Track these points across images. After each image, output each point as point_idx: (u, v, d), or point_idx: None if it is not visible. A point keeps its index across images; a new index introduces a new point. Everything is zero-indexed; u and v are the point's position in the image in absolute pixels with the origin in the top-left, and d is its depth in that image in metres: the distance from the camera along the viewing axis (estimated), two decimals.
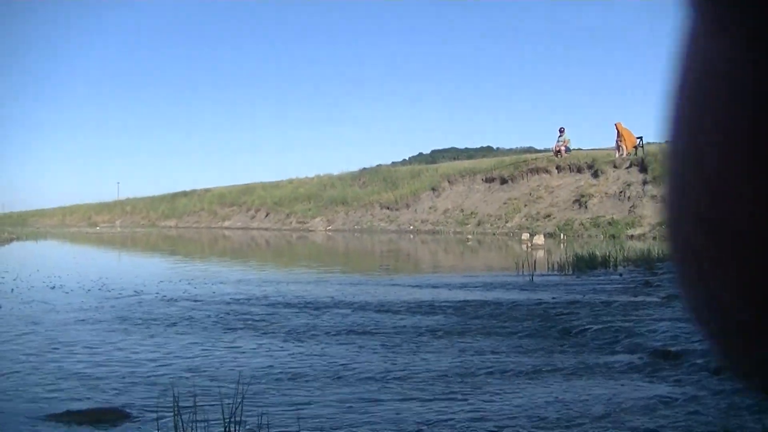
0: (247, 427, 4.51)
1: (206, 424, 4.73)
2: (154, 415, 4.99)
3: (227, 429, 3.87)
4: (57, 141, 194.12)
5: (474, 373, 6.21)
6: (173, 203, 73.30)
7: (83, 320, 10.03)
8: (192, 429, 4.02)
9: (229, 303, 11.15)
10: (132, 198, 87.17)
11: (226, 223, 57.92)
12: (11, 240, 42.70)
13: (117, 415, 5.12)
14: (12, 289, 13.82)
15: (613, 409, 4.93)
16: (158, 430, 4.46)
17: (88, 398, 5.71)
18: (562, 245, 23.35)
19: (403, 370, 6.35)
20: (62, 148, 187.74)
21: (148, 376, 6.42)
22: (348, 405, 5.41)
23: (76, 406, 5.42)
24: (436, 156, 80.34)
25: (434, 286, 12.92)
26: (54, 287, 14.32)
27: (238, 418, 4.13)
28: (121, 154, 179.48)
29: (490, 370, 6.30)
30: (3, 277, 16.89)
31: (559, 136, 36.29)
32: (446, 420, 4.86)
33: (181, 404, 4.83)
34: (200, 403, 5.31)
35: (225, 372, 6.61)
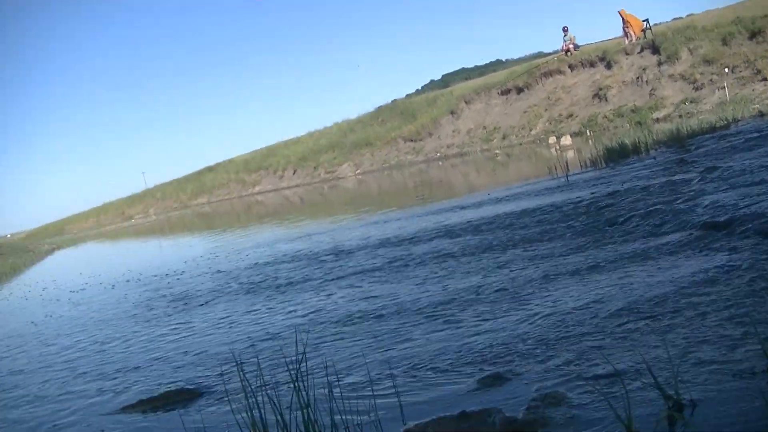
0: (315, 379, 4.52)
1: (275, 383, 4.75)
2: (222, 388, 5.01)
3: (296, 385, 3.85)
4: (75, 144, 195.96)
5: (532, 281, 6.21)
6: (200, 180, 73.17)
7: (125, 313, 10.22)
8: (261, 394, 4.01)
9: (274, 264, 11.26)
10: (160, 184, 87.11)
11: (257, 189, 57.83)
12: (53, 250, 43.36)
13: (187, 395, 5.15)
14: (57, 299, 14.14)
15: (676, 287, 4.86)
16: (228, 401, 4.47)
17: (156, 383, 5.76)
18: (590, 141, 23.04)
19: (465, 292, 6.38)
20: (80, 149, 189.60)
21: (207, 353, 6.47)
22: (411, 334, 5.43)
23: (145, 393, 5.47)
24: (447, 80, 79.29)
25: (473, 206, 12.89)
26: (96, 285, 14.68)
27: (303, 371, 4.13)
28: (140, 144, 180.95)
29: (546, 274, 6.30)
30: (45, 288, 17.25)
31: (564, 36, 35.59)
32: (519, 329, 4.91)
33: (247, 371, 4.86)
34: (265, 365, 5.34)
35: (282, 330, 6.65)
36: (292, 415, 3.64)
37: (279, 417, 3.60)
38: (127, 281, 14.03)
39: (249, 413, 3.70)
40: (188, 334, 7.58)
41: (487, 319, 5.34)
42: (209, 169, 75.33)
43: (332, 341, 5.78)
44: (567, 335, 4.54)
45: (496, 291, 6.13)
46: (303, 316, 7.11)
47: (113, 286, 13.99)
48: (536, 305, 5.37)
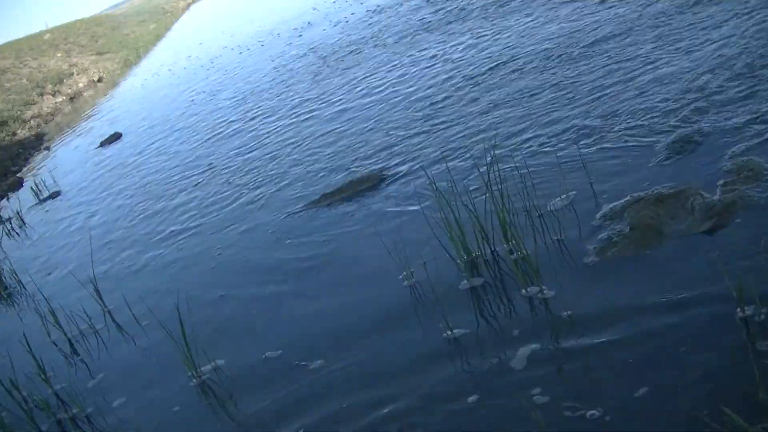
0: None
1: None
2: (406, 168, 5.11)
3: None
4: None
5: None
6: None
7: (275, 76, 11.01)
8: None
9: None
10: None
11: None
12: (189, 6, 43.25)
13: (373, 180, 5.35)
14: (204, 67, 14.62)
15: None
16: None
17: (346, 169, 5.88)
18: None
19: None
20: None
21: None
22: None
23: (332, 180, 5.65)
24: None
25: None
26: (234, 48, 15.57)
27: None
28: None
29: None
30: (189, 57, 17.46)
31: None
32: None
33: None
34: None
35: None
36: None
37: None
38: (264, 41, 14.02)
39: None
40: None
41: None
42: None
43: None
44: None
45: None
46: None
47: (248, 48, 14.24)
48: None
